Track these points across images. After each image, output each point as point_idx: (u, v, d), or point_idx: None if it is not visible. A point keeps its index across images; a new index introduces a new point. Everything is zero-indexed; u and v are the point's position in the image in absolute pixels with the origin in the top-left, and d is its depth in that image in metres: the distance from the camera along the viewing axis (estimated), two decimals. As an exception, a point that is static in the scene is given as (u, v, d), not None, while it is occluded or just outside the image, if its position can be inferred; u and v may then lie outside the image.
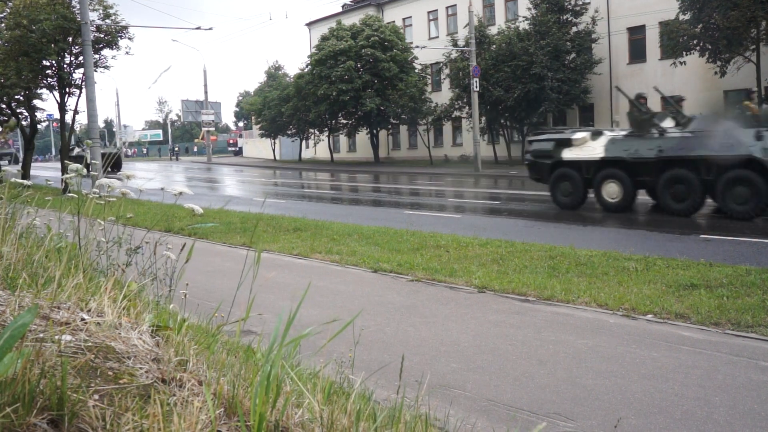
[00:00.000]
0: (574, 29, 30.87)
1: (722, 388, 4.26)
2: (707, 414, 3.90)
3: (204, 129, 55.04)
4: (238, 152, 68.73)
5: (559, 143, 14.64)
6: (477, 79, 29.53)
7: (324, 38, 39.63)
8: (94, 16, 21.52)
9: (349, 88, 37.11)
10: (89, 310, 1.71)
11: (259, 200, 19.69)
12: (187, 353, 1.61)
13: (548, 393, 4.27)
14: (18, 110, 25.33)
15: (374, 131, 41.18)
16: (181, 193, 2.51)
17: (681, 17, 24.54)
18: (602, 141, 13.99)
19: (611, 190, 13.76)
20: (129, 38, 23.37)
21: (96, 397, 1.27)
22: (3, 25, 22.19)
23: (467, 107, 33.10)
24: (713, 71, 24.81)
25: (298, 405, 1.48)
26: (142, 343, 1.56)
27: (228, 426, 1.32)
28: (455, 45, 33.76)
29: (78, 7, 20.25)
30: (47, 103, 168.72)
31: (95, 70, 20.41)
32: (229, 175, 37.78)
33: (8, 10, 21.73)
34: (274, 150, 54.00)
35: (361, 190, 25.29)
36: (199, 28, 25.95)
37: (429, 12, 42.33)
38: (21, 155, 35.28)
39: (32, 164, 27.52)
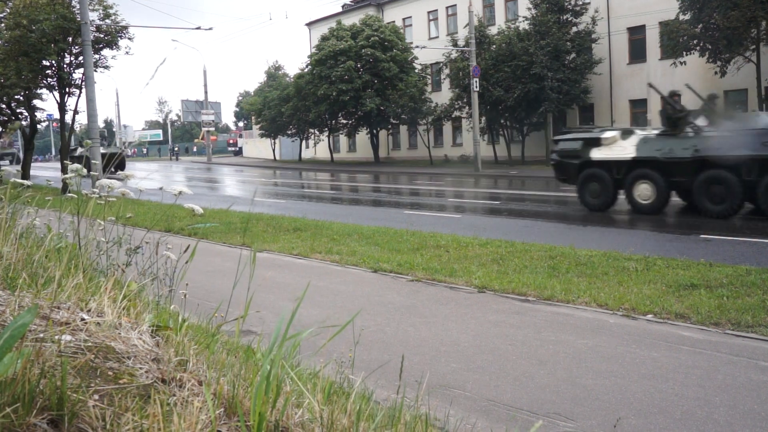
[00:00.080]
0: (574, 29, 30.87)
1: (722, 388, 4.26)
2: (707, 414, 3.90)
3: (204, 129, 55.05)
4: (238, 152, 68.72)
5: (588, 142, 14.12)
6: (477, 79, 29.53)
7: (324, 38, 39.64)
8: (94, 16, 21.55)
9: (349, 88, 37.11)
10: (89, 310, 1.71)
11: (260, 200, 19.69)
12: (187, 353, 1.61)
13: (548, 393, 4.27)
14: (18, 110, 25.35)
15: (374, 131, 41.18)
16: (180, 193, 2.51)
17: (681, 17, 24.54)
18: (633, 140, 13.48)
19: (643, 192, 13.23)
20: (129, 38, 23.40)
21: (96, 397, 1.27)
22: (3, 25, 22.19)
23: (467, 107, 33.10)
24: (713, 71, 24.81)
25: (298, 405, 1.48)
26: (142, 343, 1.56)
27: (228, 426, 1.32)
28: (455, 45, 33.76)
29: (78, 7, 20.25)
30: (47, 103, 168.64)
31: (95, 70, 20.42)
32: (229, 175, 37.78)
33: (8, 10, 21.73)
34: (274, 150, 54.00)
35: (361, 190, 25.29)
36: (199, 28, 25.97)
37: (429, 12, 42.33)
38: (21, 155, 35.30)
39: (32, 164, 27.53)
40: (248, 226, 12.48)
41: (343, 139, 48.64)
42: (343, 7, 50.03)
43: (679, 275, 7.27)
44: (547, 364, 4.79)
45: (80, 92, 23.62)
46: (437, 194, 21.26)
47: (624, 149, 13.52)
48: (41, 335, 1.43)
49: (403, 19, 44.02)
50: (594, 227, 12.40)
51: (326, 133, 44.51)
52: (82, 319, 1.61)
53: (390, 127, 41.82)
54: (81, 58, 20.86)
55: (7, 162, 39.74)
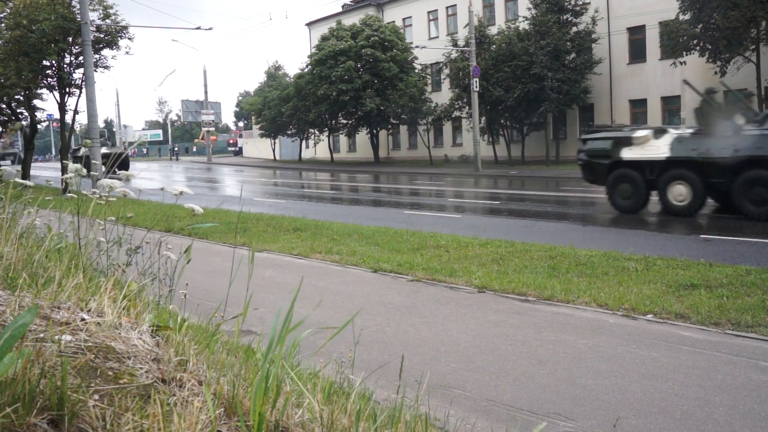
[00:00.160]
0: (574, 29, 30.87)
1: (722, 388, 4.26)
2: (707, 414, 3.90)
3: (204, 129, 55.06)
4: (238, 152, 68.73)
5: (618, 142, 13.62)
6: (477, 79, 29.54)
7: (324, 38, 39.64)
8: (94, 16, 21.55)
9: (349, 88, 37.12)
10: (89, 310, 1.71)
11: (260, 200, 19.70)
12: (187, 353, 1.61)
13: (548, 393, 4.27)
14: (18, 110, 25.34)
15: (374, 131, 41.19)
16: (181, 193, 2.51)
17: (681, 17, 24.54)
18: (667, 139, 12.97)
19: (678, 193, 12.72)
20: (129, 38, 23.39)
21: (96, 397, 1.27)
22: (3, 25, 22.19)
23: (467, 107, 33.10)
24: (713, 71, 24.80)
25: (298, 405, 1.48)
26: (142, 343, 1.56)
27: (228, 426, 1.32)
28: (455, 45, 33.76)
29: (78, 7, 20.26)
30: (47, 103, 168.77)
31: (95, 70, 20.42)
32: (229, 175, 37.79)
33: (8, 10, 21.73)
34: (274, 150, 54.01)
35: (361, 190, 25.29)
36: (199, 28, 25.96)
37: (429, 12, 42.33)
38: (22, 155, 35.34)
39: (32, 164, 27.55)
40: (251, 226, 12.47)
41: (343, 139, 48.65)
42: (343, 7, 50.04)
43: (679, 275, 7.27)
44: (547, 364, 4.79)
45: (80, 92, 23.64)
46: (437, 194, 21.27)
47: (657, 149, 13.02)
48: (41, 335, 1.43)
49: (403, 19, 44.02)
50: (593, 227, 12.40)
51: (326, 133, 44.52)
52: (83, 319, 1.61)
53: (390, 127, 41.83)
54: (81, 58, 20.86)
55: (9, 162, 39.76)
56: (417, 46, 34.16)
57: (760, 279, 6.89)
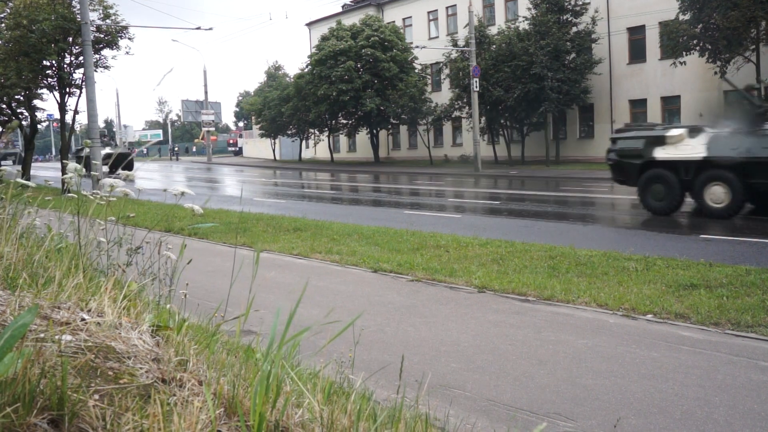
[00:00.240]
0: (574, 29, 30.86)
1: (722, 388, 4.26)
2: (707, 414, 3.90)
3: (204, 129, 55.05)
4: (238, 152, 68.73)
5: (651, 141, 13.15)
6: (477, 79, 29.54)
7: (324, 38, 39.64)
8: (94, 16, 21.56)
9: (349, 88, 37.12)
10: (89, 310, 1.71)
11: (260, 200, 19.70)
12: (187, 353, 1.61)
13: (548, 393, 4.27)
14: (18, 110, 25.35)
15: (374, 131, 41.19)
16: (183, 194, 2.51)
17: (681, 17, 24.53)
18: (703, 138, 12.48)
19: (716, 194, 12.25)
20: (129, 38, 23.40)
21: (96, 397, 1.27)
22: (3, 25, 22.19)
23: (467, 107, 33.10)
24: (713, 71, 24.81)
25: (298, 405, 1.48)
26: (142, 343, 1.56)
27: (228, 426, 1.32)
28: (455, 45, 33.77)
29: (78, 7, 20.26)
30: (47, 103, 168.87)
31: (95, 70, 20.42)
32: (229, 175, 37.79)
33: (8, 11, 21.73)
34: (274, 150, 54.00)
35: (361, 190, 25.29)
36: (199, 28, 25.98)
37: (429, 12, 42.33)
38: (23, 155, 35.38)
39: (33, 164, 27.57)
40: (251, 226, 12.47)
41: (343, 139, 48.65)
42: (343, 7, 50.03)
43: (679, 275, 7.27)
44: (547, 364, 4.80)
45: (80, 92, 23.65)
46: (437, 194, 21.27)
47: (693, 148, 12.54)
48: (42, 335, 1.43)
49: (403, 19, 44.02)
50: (593, 227, 12.40)
51: (326, 133, 44.52)
52: (83, 319, 1.61)
53: (390, 127, 41.83)
54: (81, 58, 20.86)
55: (11, 162, 39.78)
56: (417, 46, 34.16)
57: (760, 279, 6.89)
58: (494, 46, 32.01)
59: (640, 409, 3.98)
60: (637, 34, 31.10)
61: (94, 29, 21.53)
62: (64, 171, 3.99)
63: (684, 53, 25.07)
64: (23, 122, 26.24)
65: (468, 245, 9.64)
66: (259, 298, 6.54)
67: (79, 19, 19.66)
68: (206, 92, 53.90)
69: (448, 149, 40.73)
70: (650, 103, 30.71)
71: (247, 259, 1.99)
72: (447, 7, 40.84)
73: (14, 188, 2.86)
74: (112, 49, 23.30)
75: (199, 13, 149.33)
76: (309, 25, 53.08)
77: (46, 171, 40.04)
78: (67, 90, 23.24)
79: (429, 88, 40.34)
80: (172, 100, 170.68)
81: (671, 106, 30.11)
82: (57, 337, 1.44)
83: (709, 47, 23.93)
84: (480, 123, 31.94)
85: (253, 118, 54.87)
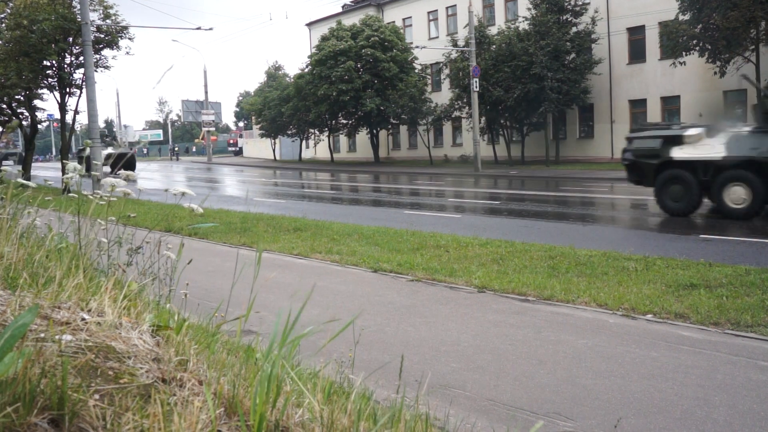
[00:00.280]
0: (574, 29, 30.85)
1: (722, 388, 4.26)
2: (707, 414, 3.90)
3: (204, 129, 55.06)
4: (238, 152, 68.74)
5: (668, 141, 12.92)
6: (477, 79, 29.54)
7: (324, 38, 39.63)
8: (94, 16, 21.55)
9: (349, 88, 37.12)
10: (90, 310, 1.71)
11: (260, 200, 19.70)
12: (187, 353, 1.61)
13: (548, 393, 4.27)
14: (18, 110, 25.34)
15: (374, 131, 41.19)
16: (183, 194, 2.51)
17: (681, 17, 24.53)
18: (722, 138, 12.30)
19: (736, 195, 12.04)
20: (129, 38, 23.39)
21: (96, 396, 1.27)
22: (3, 25, 22.20)
23: (467, 107, 33.10)
24: (713, 71, 24.81)
25: (298, 405, 1.49)
26: (143, 343, 1.56)
27: (228, 426, 1.33)
28: (455, 45, 33.76)
29: (78, 8, 20.26)
30: (48, 103, 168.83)
31: (95, 70, 20.43)
32: (230, 175, 37.79)
33: (9, 11, 21.74)
34: (274, 150, 54.00)
35: (361, 190, 25.29)
36: (199, 28, 25.92)
37: (429, 12, 42.32)
38: (24, 155, 35.43)
39: (33, 164, 27.57)
40: (252, 226, 12.47)
41: (343, 139, 48.65)
42: (343, 7, 50.03)
43: (678, 275, 7.27)
44: (547, 364, 4.80)
45: (81, 92, 23.65)
46: (437, 194, 21.27)
47: (712, 148, 12.33)
48: (42, 335, 1.43)
49: (403, 20, 44.01)
50: (593, 227, 12.40)
51: (326, 133, 44.52)
52: (83, 319, 1.61)
53: (390, 127, 41.83)
54: (81, 58, 20.87)
55: (12, 162, 39.84)
56: (417, 46, 34.15)
57: (759, 279, 6.89)
58: (494, 46, 32.01)
59: (640, 409, 3.98)
60: (636, 34, 31.09)
61: (95, 29, 21.52)
62: (64, 171, 4.00)
63: (684, 53, 25.06)
64: (23, 122, 26.24)
65: (468, 245, 9.64)
66: (259, 298, 6.54)
67: (79, 20, 19.66)
68: (206, 92, 53.93)
69: (448, 149, 40.73)
70: (650, 103, 30.70)
71: (248, 259, 1.99)
72: (447, 7, 40.83)
73: (14, 188, 2.86)
74: (112, 49, 23.32)
75: (199, 13, 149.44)
76: (309, 25, 53.08)
77: (46, 171, 40.04)
78: (68, 90, 23.24)
79: (429, 88, 40.34)
80: (173, 100, 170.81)
81: (671, 106, 30.11)
82: (57, 336, 1.44)
83: (709, 47, 23.92)
84: (480, 123, 31.94)
85: (253, 118, 54.88)
